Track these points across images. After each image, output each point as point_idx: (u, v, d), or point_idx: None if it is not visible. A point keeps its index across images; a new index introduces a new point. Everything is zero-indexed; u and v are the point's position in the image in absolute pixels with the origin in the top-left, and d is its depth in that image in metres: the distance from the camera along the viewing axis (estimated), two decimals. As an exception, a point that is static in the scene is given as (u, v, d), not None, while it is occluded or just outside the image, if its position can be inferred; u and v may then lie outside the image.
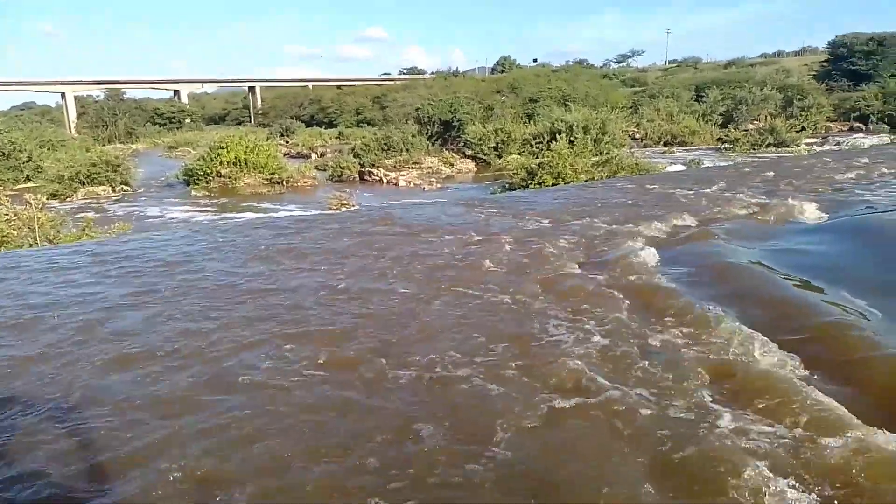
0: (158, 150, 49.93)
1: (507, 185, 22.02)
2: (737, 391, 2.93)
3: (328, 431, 2.72)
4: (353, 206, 18.83)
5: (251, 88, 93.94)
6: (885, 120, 32.67)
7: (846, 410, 2.59)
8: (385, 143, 29.04)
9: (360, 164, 27.78)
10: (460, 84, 53.37)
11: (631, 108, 43.13)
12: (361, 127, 52.95)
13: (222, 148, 25.50)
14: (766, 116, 35.35)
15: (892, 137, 27.79)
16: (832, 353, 3.18)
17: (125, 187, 25.76)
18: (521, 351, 3.51)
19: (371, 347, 3.61)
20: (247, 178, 25.21)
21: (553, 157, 21.58)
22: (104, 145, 45.78)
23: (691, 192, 9.01)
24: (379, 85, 79.06)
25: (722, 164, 21.73)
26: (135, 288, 4.93)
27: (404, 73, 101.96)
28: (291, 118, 61.85)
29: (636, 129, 38.06)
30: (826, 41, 57.21)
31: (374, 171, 26.93)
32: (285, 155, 35.68)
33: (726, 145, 32.28)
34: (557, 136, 27.36)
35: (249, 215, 19.18)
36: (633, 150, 29.41)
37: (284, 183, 25.51)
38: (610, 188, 10.41)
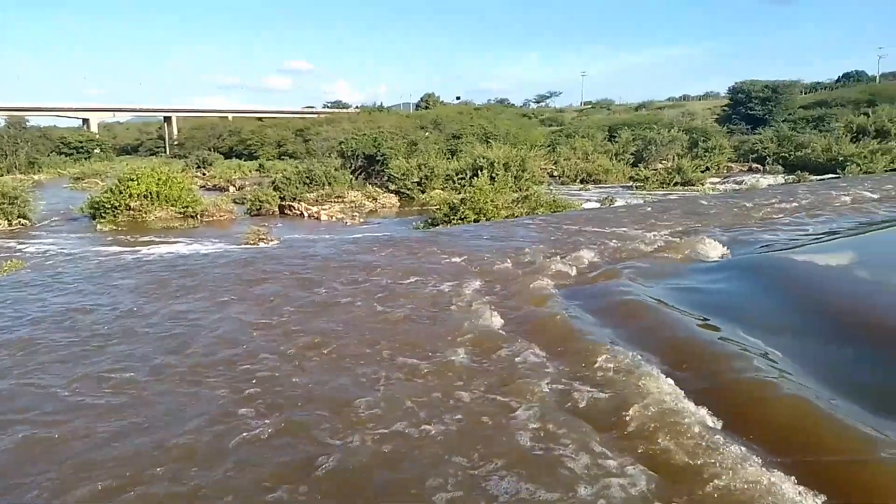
0: (64, 181, 47.14)
1: (429, 221, 22.08)
2: (634, 434, 2.96)
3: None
4: (272, 240, 18.34)
5: (167, 118, 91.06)
6: (780, 161, 35.24)
7: (743, 451, 2.65)
8: (307, 177, 28.64)
9: (280, 197, 27.21)
10: (385, 119, 53.84)
11: (549, 146, 44.66)
12: (283, 160, 52.17)
13: (132, 180, 24.36)
14: (673, 157, 37.38)
15: (786, 178, 29.96)
16: (732, 395, 3.28)
17: (23, 221, 24.06)
18: (412, 391, 3.42)
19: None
20: (158, 212, 24.13)
21: (475, 192, 21.88)
22: (2, 175, 42.81)
23: (603, 230, 9.31)
24: (302, 118, 78.43)
25: (633, 201, 22.70)
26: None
27: (328, 107, 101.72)
28: (209, 150, 60.21)
29: (554, 167, 39.27)
30: (727, 87, 61.77)
31: (295, 204, 26.43)
32: (202, 188, 34.54)
33: (637, 184, 33.79)
34: (479, 172, 27.83)
35: (159, 250, 18.30)
36: (551, 187, 30.28)
37: (199, 217, 24.57)
38: (527, 225, 10.62)
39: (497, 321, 4.75)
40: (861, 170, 28.94)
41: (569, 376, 3.65)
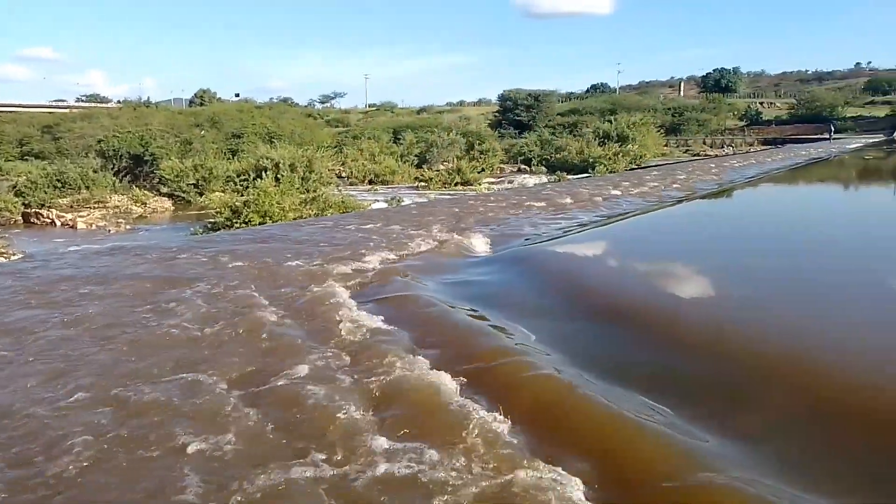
0: None
1: (209, 226, 20.77)
2: (400, 415, 3.14)
3: None
4: (13, 254, 15.82)
5: None
6: (544, 163, 39.33)
7: (501, 430, 2.95)
8: (58, 180, 25.19)
9: (24, 204, 23.56)
10: (153, 115, 49.05)
11: (336, 147, 44.56)
12: (27, 160, 45.00)
13: None
14: (453, 158, 39.66)
15: (549, 177, 33.48)
16: (492, 375, 3.61)
17: None
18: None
19: None
20: None
21: (259, 195, 21.08)
22: None
23: (390, 228, 9.58)
24: (50, 112, 68.31)
25: (419, 201, 23.65)
26: None
27: (83, 101, 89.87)
28: (-76, 149, 49.89)
29: (342, 168, 39.32)
30: (497, 94, 67.17)
31: (45, 212, 23.07)
32: (-86, 194, 28.56)
33: (422, 184, 35.29)
34: (264, 173, 26.85)
35: None
36: (340, 188, 30.27)
37: None
38: (315, 226, 10.52)
39: (278, 321, 4.65)
40: (607, 169, 33.42)
41: (339, 362, 3.73)
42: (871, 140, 46.75)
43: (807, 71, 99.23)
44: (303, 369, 3.74)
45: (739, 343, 4.10)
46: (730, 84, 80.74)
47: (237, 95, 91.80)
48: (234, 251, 7.62)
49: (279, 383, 3.61)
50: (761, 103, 73.42)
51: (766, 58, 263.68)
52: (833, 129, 52.28)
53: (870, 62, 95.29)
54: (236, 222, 19.50)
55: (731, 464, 2.66)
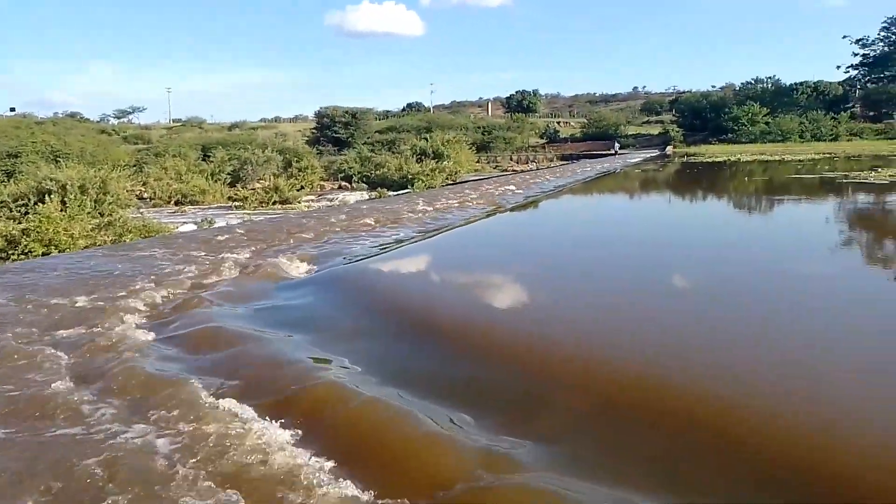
0: None
1: (-23, 259, 17.90)
2: (207, 458, 2.93)
3: None
4: None
5: None
6: (364, 179, 39.51)
7: (313, 466, 2.87)
8: None
9: None
10: None
11: (135, 166, 41.04)
12: None
13: None
14: (270, 176, 38.29)
15: (370, 193, 33.69)
16: (299, 404, 3.50)
17: None
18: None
19: None
20: None
21: (41, 221, 18.64)
22: None
23: (197, 254, 8.95)
24: None
25: (233, 222, 22.47)
26: None
27: None
28: None
29: (144, 189, 36.21)
30: (314, 111, 66.33)
31: None
32: None
33: (237, 203, 33.60)
34: (47, 196, 23.83)
35: None
36: (141, 210, 27.76)
37: None
38: (109, 255, 9.51)
39: (53, 368, 4.10)
40: (425, 185, 34.47)
41: (131, 412, 3.38)
42: (648, 155, 53.61)
43: (595, 94, 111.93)
44: (79, 426, 3.31)
45: (539, 350, 4.41)
46: (531, 105, 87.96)
47: (13, 110, 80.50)
48: (6, 287, 6.61)
49: (55, 443, 3.17)
50: (558, 122, 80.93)
51: (561, 81, 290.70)
52: (619, 146, 59.20)
53: (644, 86, 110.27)
54: (13, 254, 17.07)
55: (529, 464, 2.83)
